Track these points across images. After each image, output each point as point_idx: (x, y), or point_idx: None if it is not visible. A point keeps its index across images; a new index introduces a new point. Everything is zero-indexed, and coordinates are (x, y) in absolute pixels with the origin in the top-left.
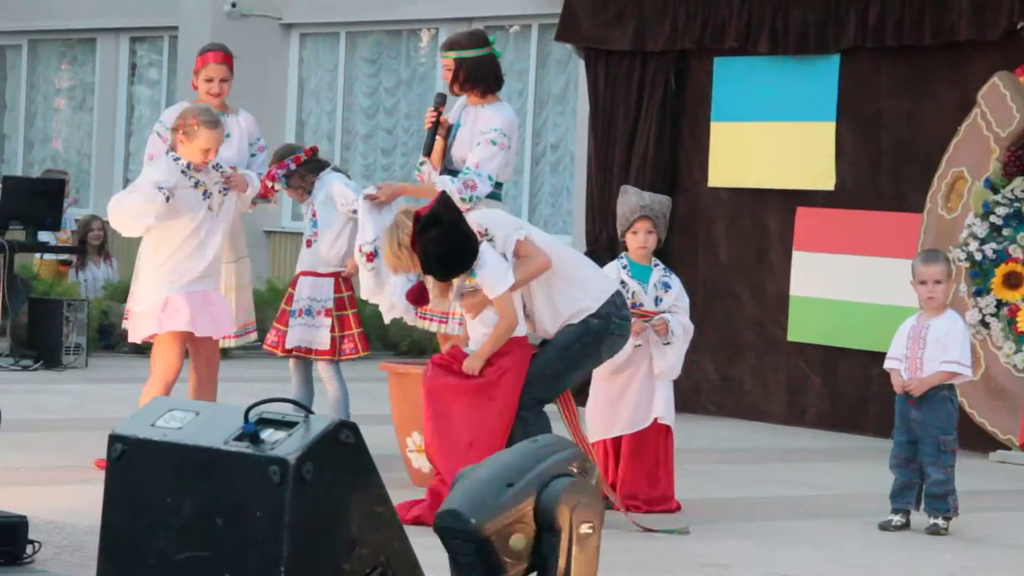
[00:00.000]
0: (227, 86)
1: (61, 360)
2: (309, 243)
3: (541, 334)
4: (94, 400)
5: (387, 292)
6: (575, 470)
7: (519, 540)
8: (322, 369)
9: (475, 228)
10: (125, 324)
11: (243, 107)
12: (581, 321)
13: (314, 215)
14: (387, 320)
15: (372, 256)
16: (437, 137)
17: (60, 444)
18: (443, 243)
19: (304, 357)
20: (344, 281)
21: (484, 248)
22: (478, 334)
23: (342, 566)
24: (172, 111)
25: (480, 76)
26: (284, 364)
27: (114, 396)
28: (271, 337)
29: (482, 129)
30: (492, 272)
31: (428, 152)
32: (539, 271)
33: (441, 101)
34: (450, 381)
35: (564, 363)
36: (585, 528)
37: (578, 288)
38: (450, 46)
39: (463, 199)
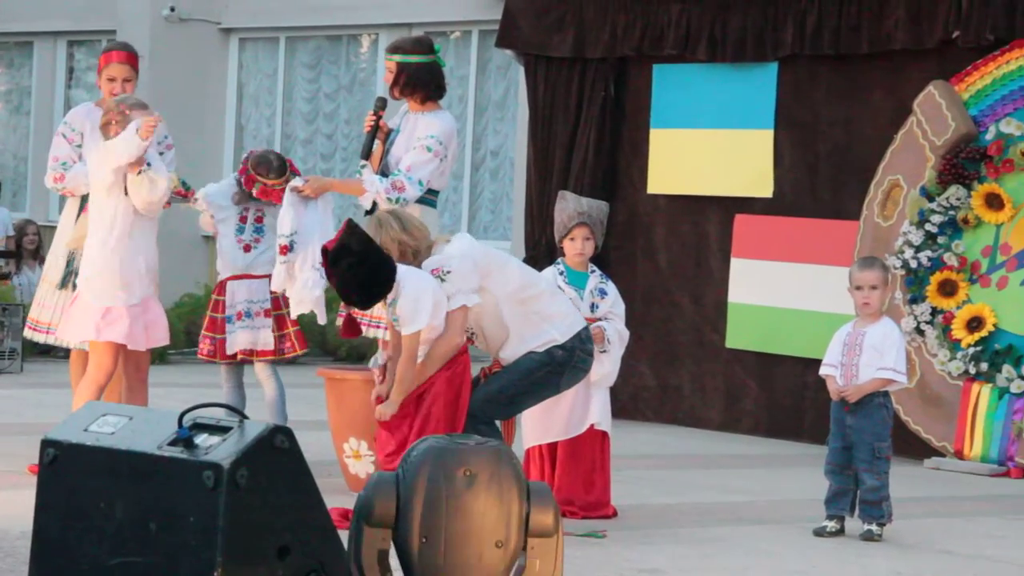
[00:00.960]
0: (131, 86)
1: None
2: (248, 247)
3: (495, 355)
4: (29, 405)
5: (296, 287)
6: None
7: None
8: (260, 370)
9: (436, 264)
10: (28, 332)
11: (183, 111)
12: (546, 350)
13: (259, 220)
14: (294, 315)
15: (287, 249)
16: (376, 141)
17: None
18: (358, 272)
19: (248, 361)
20: None
21: (405, 274)
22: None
23: (276, 572)
24: (77, 112)
25: (421, 82)
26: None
27: (49, 401)
28: (205, 347)
29: (419, 135)
30: (409, 307)
31: (367, 156)
32: (448, 353)
33: (381, 105)
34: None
35: (523, 388)
36: None
37: (550, 324)
38: (394, 49)
39: (389, 199)
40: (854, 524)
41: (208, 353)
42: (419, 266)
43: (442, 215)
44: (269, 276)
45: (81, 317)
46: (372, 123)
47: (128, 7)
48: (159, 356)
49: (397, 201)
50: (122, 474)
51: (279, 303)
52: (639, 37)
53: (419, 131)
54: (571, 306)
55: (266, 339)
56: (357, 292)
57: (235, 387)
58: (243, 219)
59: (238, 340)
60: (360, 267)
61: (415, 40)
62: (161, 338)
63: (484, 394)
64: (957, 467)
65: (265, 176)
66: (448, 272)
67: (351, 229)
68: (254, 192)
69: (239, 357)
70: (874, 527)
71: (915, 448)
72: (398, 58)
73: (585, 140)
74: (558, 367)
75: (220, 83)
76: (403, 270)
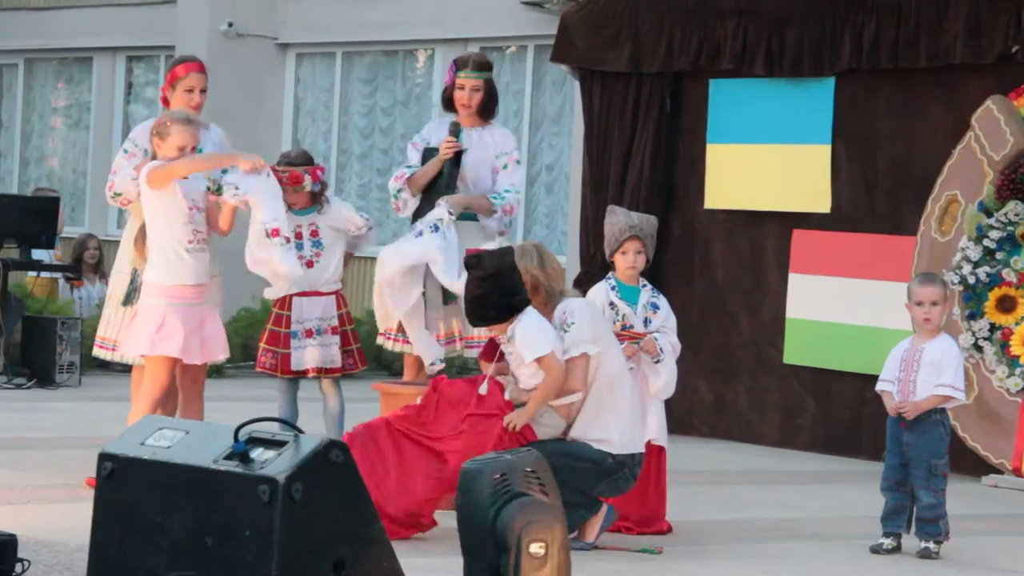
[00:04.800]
0: (205, 97)
1: (54, 378)
2: (311, 263)
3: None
4: (87, 418)
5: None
6: (535, 489)
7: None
8: (327, 385)
9: (560, 314)
10: (96, 351)
11: (240, 126)
12: (599, 451)
13: (314, 235)
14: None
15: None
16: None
17: (52, 462)
18: (480, 285)
19: (314, 376)
20: (342, 298)
21: (529, 312)
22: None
23: None
24: (142, 128)
25: (496, 98)
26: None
27: (107, 415)
28: (267, 360)
29: (505, 150)
30: (530, 335)
31: (452, 183)
32: (567, 393)
33: (458, 129)
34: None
35: (560, 463)
36: (535, 548)
37: (616, 421)
38: (483, 67)
39: (505, 224)
40: (911, 541)
41: (270, 367)
42: (545, 310)
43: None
44: (335, 292)
45: (138, 332)
46: (455, 149)
47: (186, 23)
48: (216, 370)
49: (509, 225)
50: (178, 488)
51: (344, 319)
52: (695, 51)
53: (499, 145)
54: (640, 429)
55: (334, 356)
56: (469, 304)
57: (290, 401)
58: (299, 235)
59: (307, 357)
60: (483, 282)
61: (484, 56)
62: (218, 352)
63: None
64: (1015, 484)
65: (291, 164)
66: (572, 324)
67: (503, 252)
68: (285, 180)
69: (310, 374)
70: (931, 544)
71: (973, 465)
72: (488, 75)
73: (641, 155)
74: (603, 472)
75: (277, 98)
76: (528, 312)
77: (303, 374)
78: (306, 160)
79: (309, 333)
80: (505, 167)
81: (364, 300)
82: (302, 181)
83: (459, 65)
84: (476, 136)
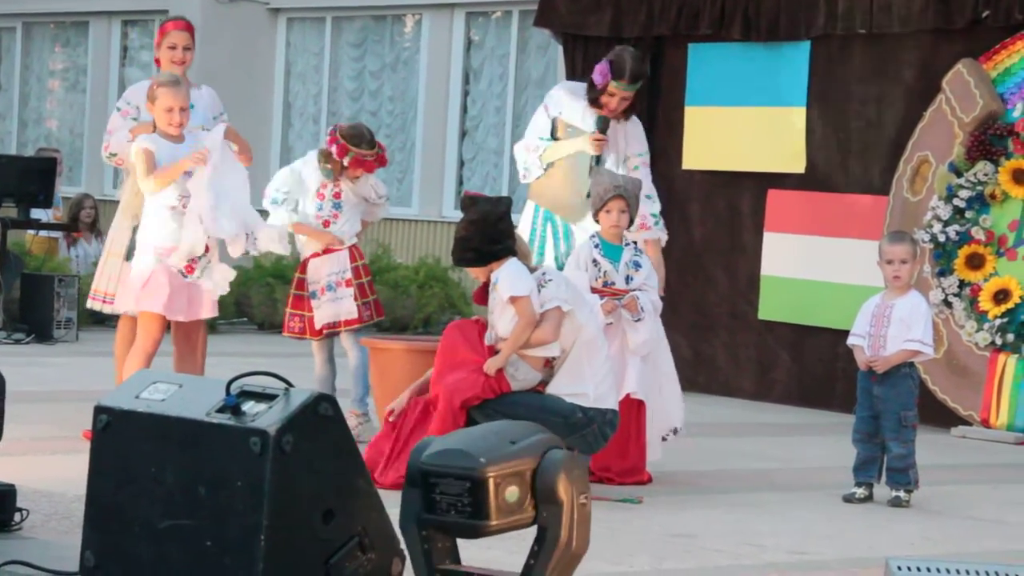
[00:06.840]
0: (190, 55)
1: (52, 334)
2: (327, 223)
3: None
4: (84, 373)
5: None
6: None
7: (513, 493)
8: (345, 338)
9: (538, 275)
10: (97, 305)
11: (232, 89)
12: (570, 405)
13: (337, 196)
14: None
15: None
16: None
17: (50, 415)
18: (467, 228)
19: (335, 333)
20: (356, 251)
21: (513, 260)
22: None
23: (320, 535)
24: (135, 88)
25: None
26: (272, 339)
27: (103, 369)
28: (296, 325)
29: (639, 151)
30: (512, 277)
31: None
32: (539, 343)
33: (607, 126)
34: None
35: (528, 415)
36: (582, 499)
37: (592, 378)
38: (638, 78)
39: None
40: (882, 491)
41: (299, 331)
42: None
43: (483, 190)
44: (349, 247)
45: (127, 288)
46: (604, 145)
47: None
48: (209, 326)
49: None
50: (172, 440)
51: (359, 272)
52: (675, 16)
53: (635, 144)
54: (614, 386)
55: (349, 308)
56: (454, 243)
57: (326, 360)
58: (320, 195)
59: (323, 314)
60: (470, 225)
61: (643, 65)
62: (203, 312)
63: (496, 403)
64: (983, 435)
65: (358, 146)
66: (549, 280)
67: (498, 200)
68: (346, 162)
69: (324, 332)
70: (902, 493)
71: (943, 417)
72: (640, 85)
73: None
74: (570, 426)
75: (268, 62)
76: (512, 261)
77: (333, 333)
78: (371, 142)
79: (322, 291)
80: (636, 168)
81: None
82: (373, 170)
83: (615, 73)
84: (610, 129)
